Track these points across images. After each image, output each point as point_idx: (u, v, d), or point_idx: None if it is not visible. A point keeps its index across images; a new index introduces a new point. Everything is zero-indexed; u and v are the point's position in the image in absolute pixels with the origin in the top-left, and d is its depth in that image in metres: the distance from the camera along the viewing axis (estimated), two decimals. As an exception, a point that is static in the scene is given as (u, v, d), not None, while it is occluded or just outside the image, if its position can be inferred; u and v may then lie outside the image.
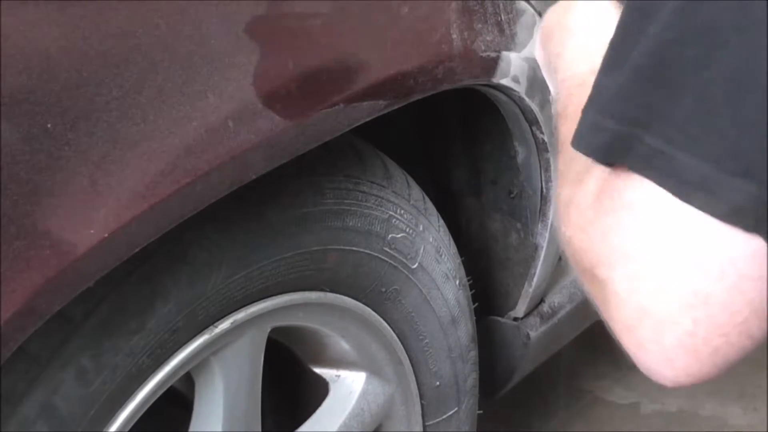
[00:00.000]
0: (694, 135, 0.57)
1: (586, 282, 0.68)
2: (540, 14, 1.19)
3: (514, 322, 1.46)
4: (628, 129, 0.60)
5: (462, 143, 1.39)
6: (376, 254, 1.17)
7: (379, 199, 1.17)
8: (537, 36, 1.03)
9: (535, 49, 1.03)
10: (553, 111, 0.86)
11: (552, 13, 0.96)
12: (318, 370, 1.29)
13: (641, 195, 0.60)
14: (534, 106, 1.21)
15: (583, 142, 0.64)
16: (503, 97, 1.20)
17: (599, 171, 0.64)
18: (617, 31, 0.66)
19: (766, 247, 0.57)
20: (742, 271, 0.57)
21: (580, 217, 0.66)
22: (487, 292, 1.45)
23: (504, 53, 1.13)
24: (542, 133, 1.24)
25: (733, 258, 0.57)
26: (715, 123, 0.57)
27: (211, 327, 1.02)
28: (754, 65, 0.56)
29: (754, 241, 0.57)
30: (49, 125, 0.74)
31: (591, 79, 0.66)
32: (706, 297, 0.58)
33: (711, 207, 0.57)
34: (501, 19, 1.13)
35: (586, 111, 0.65)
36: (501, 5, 1.12)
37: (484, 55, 1.11)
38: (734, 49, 0.57)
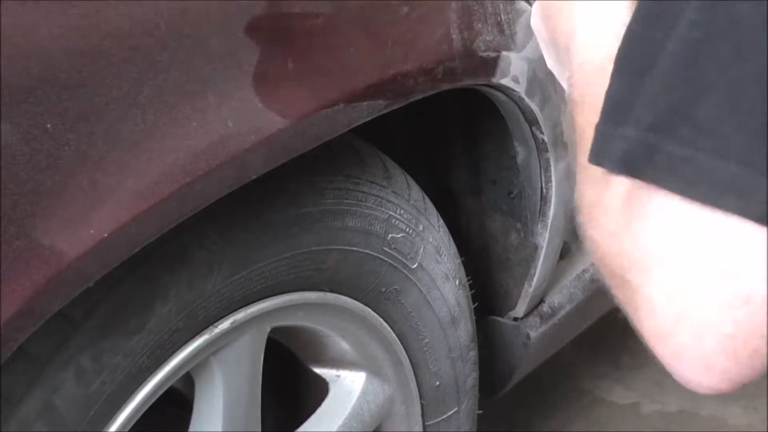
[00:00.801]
0: (722, 136, 0.56)
1: (615, 287, 0.66)
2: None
3: (514, 322, 1.46)
4: (646, 137, 0.59)
5: (462, 143, 1.39)
6: (375, 254, 1.17)
7: (379, 199, 1.17)
8: (535, 5, 1.00)
9: (532, 18, 0.99)
10: (566, 94, 0.84)
11: None
12: (318, 370, 1.29)
13: (672, 197, 0.58)
14: (534, 106, 1.21)
15: (601, 155, 0.63)
16: (503, 97, 1.20)
17: None
18: (628, 35, 0.64)
19: None
20: None
21: (609, 222, 0.64)
22: (487, 292, 1.45)
23: (504, 53, 1.13)
24: (542, 133, 1.24)
25: None
26: (745, 123, 0.55)
27: (211, 327, 1.02)
28: None
29: None
30: (49, 125, 0.74)
31: (608, 67, 0.64)
32: (746, 297, 0.57)
33: (745, 209, 0.56)
34: (501, 19, 1.13)
35: (600, 123, 0.63)
36: (501, 5, 1.12)
37: (484, 55, 1.11)
38: (765, 45, 0.55)
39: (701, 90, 0.57)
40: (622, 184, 0.63)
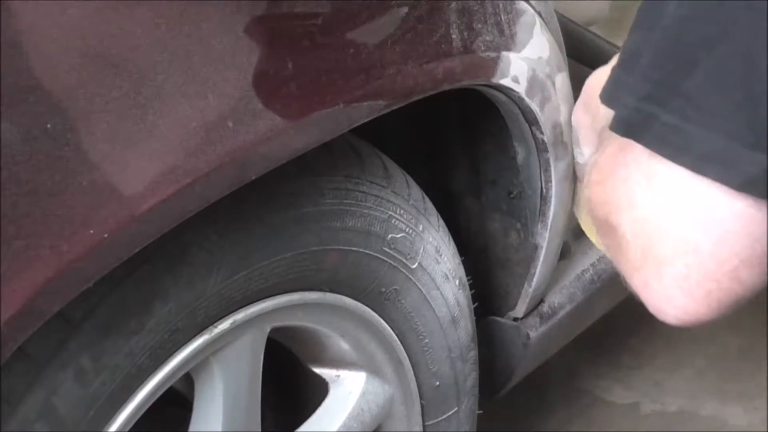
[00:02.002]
0: (708, 110, 0.61)
1: (603, 235, 0.73)
2: (540, 14, 1.19)
3: (514, 323, 1.46)
4: (642, 106, 0.64)
5: (462, 143, 1.39)
6: (375, 254, 1.17)
7: (379, 199, 1.17)
8: (582, 97, 1.07)
9: (575, 110, 1.07)
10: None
11: (601, 73, 1.01)
12: (318, 370, 1.29)
13: (654, 155, 0.64)
14: (534, 107, 1.21)
15: (610, 101, 0.69)
16: (503, 98, 1.20)
17: None
18: (636, 16, 0.69)
19: (764, 210, 0.62)
20: (728, 227, 0.63)
21: (598, 174, 0.72)
22: (487, 292, 1.45)
23: (504, 53, 1.13)
24: (542, 133, 1.24)
25: (720, 218, 0.63)
26: (729, 98, 0.60)
27: (210, 327, 1.02)
28: (766, 40, 0.58)
29: (754, 205, 0.62)
30: (49, 125, 0.74)
31: None
32: (695, 246, 0.64)
33: (726, 178, 0.61)
34: (501, 19, 1.13)
35: (615, 68, 0.69)
36: (501, 5, 1.12)
37: (483, 55, 1.11)
38: (746, 24, 0.59)
39: (690, 65, 0.62)
40: (615, 143, 0.70)
